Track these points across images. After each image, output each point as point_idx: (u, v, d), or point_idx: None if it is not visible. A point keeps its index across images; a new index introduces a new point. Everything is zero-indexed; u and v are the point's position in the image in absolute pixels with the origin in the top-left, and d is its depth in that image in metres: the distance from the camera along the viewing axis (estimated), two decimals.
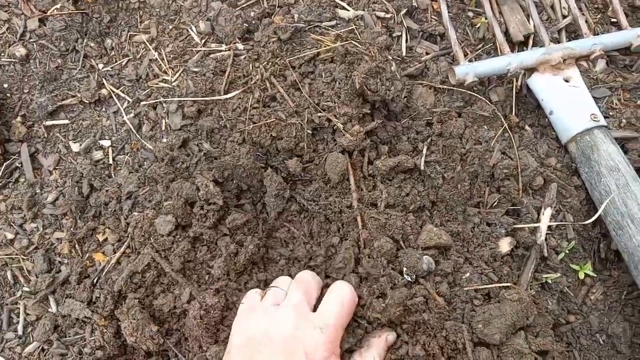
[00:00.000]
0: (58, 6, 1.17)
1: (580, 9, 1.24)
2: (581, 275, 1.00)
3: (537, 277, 0.96)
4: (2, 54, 1.15)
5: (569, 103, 1.07)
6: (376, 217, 0.94)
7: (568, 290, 0.98)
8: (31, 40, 1.16)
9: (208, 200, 0.94)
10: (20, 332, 0.96)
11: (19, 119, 1.09)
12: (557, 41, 1.18)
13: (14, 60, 1.14)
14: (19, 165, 1.06)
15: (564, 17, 1.22)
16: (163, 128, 1.06)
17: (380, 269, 0.89)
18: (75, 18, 1.16)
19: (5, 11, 1.19)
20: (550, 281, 0.97)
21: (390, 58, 1.09)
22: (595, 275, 1.01)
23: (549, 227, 0.99)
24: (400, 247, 0.93)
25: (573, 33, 1.21)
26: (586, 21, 1.22)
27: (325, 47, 1.09)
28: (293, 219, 1.01)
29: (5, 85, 1.12)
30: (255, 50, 1.10)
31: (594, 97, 1.10)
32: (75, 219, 1.00)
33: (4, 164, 1.04)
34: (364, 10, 1.16)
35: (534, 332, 0.90)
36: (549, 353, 0.89)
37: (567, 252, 0.99)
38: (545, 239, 0.98)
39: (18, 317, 0.97)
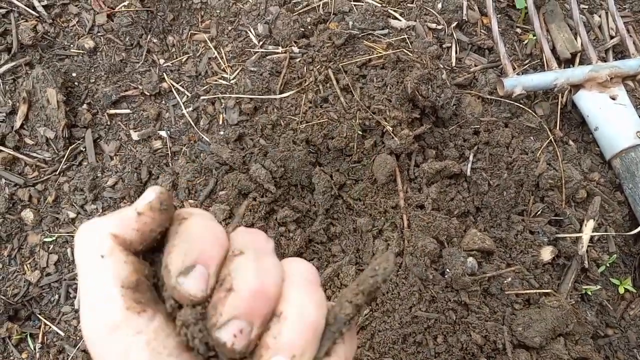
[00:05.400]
0: (126, 3, 1.24)
1: (628, 30, 1.26)
2: (621, 290, 1.01)
3: (577, 287, 0.98)
4: (72, 45, 1.22)
5: (615, 120, 1.09)
6: (422, 217, 0.97)
7: (607, 303, 1.00)
8: (99, 34, 1.24)
9: (262, 185, 0.98)
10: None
11: (84, 106, 1.16)
12: (604, 60, 1.20)
13: (82, 51, 1.21)
14: (83, 150, 1.12)
15: (612, 37, 1.25)
16: (220, 122, 1.11)
17: (422, 267, 0.92)
18: (141, 15, 1.23)
19: (76, 5, 1.27)
20: (590, 293, 0.98)
21: (442, 66, 1.12)
22: (635, 291, 1.02)
23: (591, 239, 1.01)
24: (444, 249, 0.96)
25: (620, 53, 1.23)
26: (634, 42, 1.24)
27: (377, 54, 1.14)
28: (339, 216, 1.05)
29: (74, 74, 1.19)
30: (310, 54, 1.15)
31: None
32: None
33: (69, 148, 1.11)
34: (415, 21, 1.20)
35: (573, 339, 0.92)
36: None
37: (608, 265, 1.01)
38: (587, 251, 0.99)
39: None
